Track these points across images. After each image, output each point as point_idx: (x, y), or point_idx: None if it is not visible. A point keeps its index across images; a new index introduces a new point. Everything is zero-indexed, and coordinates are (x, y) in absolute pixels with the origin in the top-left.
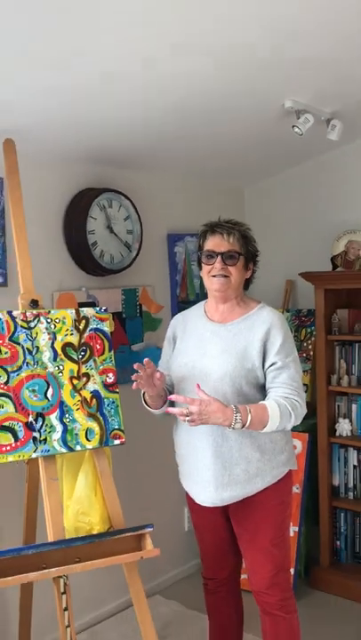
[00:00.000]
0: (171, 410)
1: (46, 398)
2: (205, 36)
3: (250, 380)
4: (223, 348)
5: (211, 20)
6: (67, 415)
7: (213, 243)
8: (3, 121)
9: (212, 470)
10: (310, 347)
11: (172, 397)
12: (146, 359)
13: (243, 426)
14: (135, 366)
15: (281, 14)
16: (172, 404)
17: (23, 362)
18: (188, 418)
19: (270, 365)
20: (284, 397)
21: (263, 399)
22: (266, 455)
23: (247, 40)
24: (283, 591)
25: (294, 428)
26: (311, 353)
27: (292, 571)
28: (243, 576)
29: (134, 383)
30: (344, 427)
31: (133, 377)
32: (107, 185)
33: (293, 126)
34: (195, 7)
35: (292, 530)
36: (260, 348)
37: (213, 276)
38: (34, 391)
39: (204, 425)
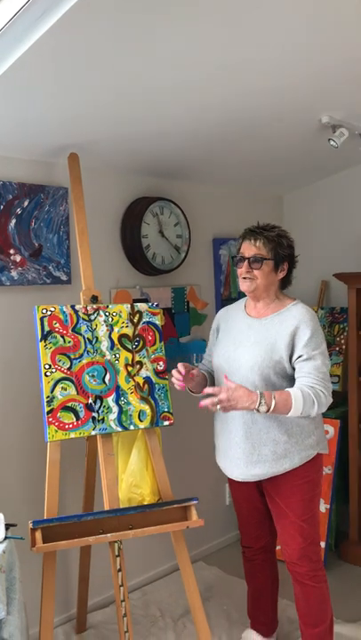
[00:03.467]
0: (204, 402)
1: (104, 383)
2: (250, 59)
3: (277, 371)
4: (255, 340)
5: (255, 45)
6: (122, 398)
7: (243, 247)
8: (68, 137)
9: (242, 449)
10: (343, 341)
11: (206, 390)
12: (180, 365)
13: (268, 409)
14: (176, 376)
15: (321, 42)
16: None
17: (84, 350)
18: (218, 406)
19: (298, 357)
20: (309, 386)
21: (291, 387)
22: (293, 438)
23: (288, 62)
24: (312, 562)
25: (327, 415)
26: (343, 347)
27: (323, 544)
28: (278, 547)
29: (176, 384)
30: None
31: (173, 380)
32: (159, 194)
33: (329, 139)
34: (243, 32)
35: (324, 507)
36: (288, 342)
37: (243, 278)
38: (93, 376)
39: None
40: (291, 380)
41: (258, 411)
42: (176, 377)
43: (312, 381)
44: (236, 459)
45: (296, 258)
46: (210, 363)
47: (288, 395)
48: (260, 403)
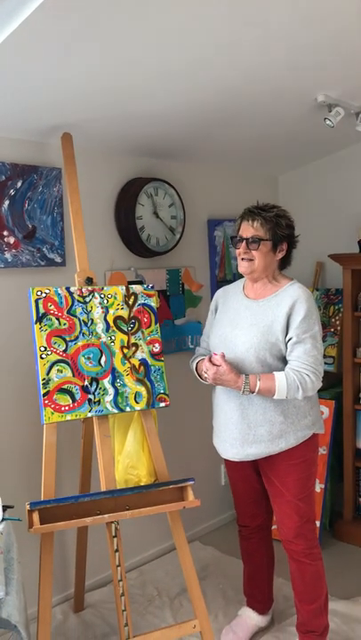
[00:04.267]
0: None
1: (100, 365)
2: (244, 37)
3: (273, 353)
4: (252, 322)
5: (249, 23)
6: (118, 380)
7: (242, 228)
8: (61, 116)
9: (238, 429)
10: (338, 322)
11: (200, 365)
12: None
13: (251, 392)
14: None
15: (316, 18)
16: None
17: (80, 332)
18: (208, 378)
19: (289, 339)
20: (295, 371)
21: (277, 372)
22: (289, 419)
23: (283, 40)
24: (308, 540)
25: (322, 396)
26: (339, 328)
27: (317, 523)
28: (273, 526)
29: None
30: None
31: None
32: (153, 175)
33: (325, 119)
34: (235, 11)
35: (319, 486)
36: (284, 323)
37: (241, 259)
38: (89, 358)
39: (232, 390)
40: (286, 362)
41: (243, 393)
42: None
43: (300, 365)
44: (232, 439)
45: (296, 238)
46: (208, 344)
47: (273, 381)
48: (244, 388)
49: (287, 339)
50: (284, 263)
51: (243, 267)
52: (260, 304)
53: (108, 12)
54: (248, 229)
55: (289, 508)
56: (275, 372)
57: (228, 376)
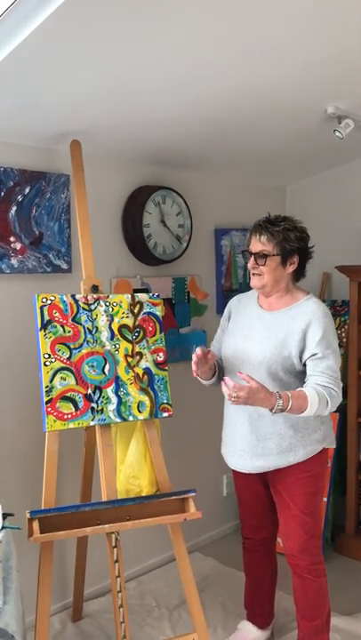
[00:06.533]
0: (223, 389)
1: (103, 373)
2: (256, 49)
3: (286, 367)
4: (265, 334)
5: (261, 35)
6: (121, 389)
7: (251, 243)
8: (70, 123)
9: (247, 441)
10: (344, 334)
11: (227, 380)
12: (198, 349)
13: (283, 411)
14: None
15: (325, 28)
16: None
17: (84, 340)
18: (233, 400)
19: (311, 355)
20: (323, 386)
21: (297, 384)
22: (299, 433)
23: (293, 49)
24: (312, 556)
25: None
26: (344, 340)
27: None
28: (278, 540)
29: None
30: None
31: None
32: (161, 183)
33: (335, 130)
34: (248, 24)
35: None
36: (299, 339)
37: (253, 274)
38: (93, 366)
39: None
40: (298, 377)
41: (274, 412)
42: (194, 360)
43: (326, 380)
44: (241, 450)
45: (311, 249)
46: (218, 351)
47: (305, 398)
48: (277, 406)
49: (309, 354)
50: (298, 275)
51: (253, 282)
52: (275, 316)
53: (121, 21)
54: (256, 244)
55: (295, 523)
56: (304, 390)
57: (262, 393)
